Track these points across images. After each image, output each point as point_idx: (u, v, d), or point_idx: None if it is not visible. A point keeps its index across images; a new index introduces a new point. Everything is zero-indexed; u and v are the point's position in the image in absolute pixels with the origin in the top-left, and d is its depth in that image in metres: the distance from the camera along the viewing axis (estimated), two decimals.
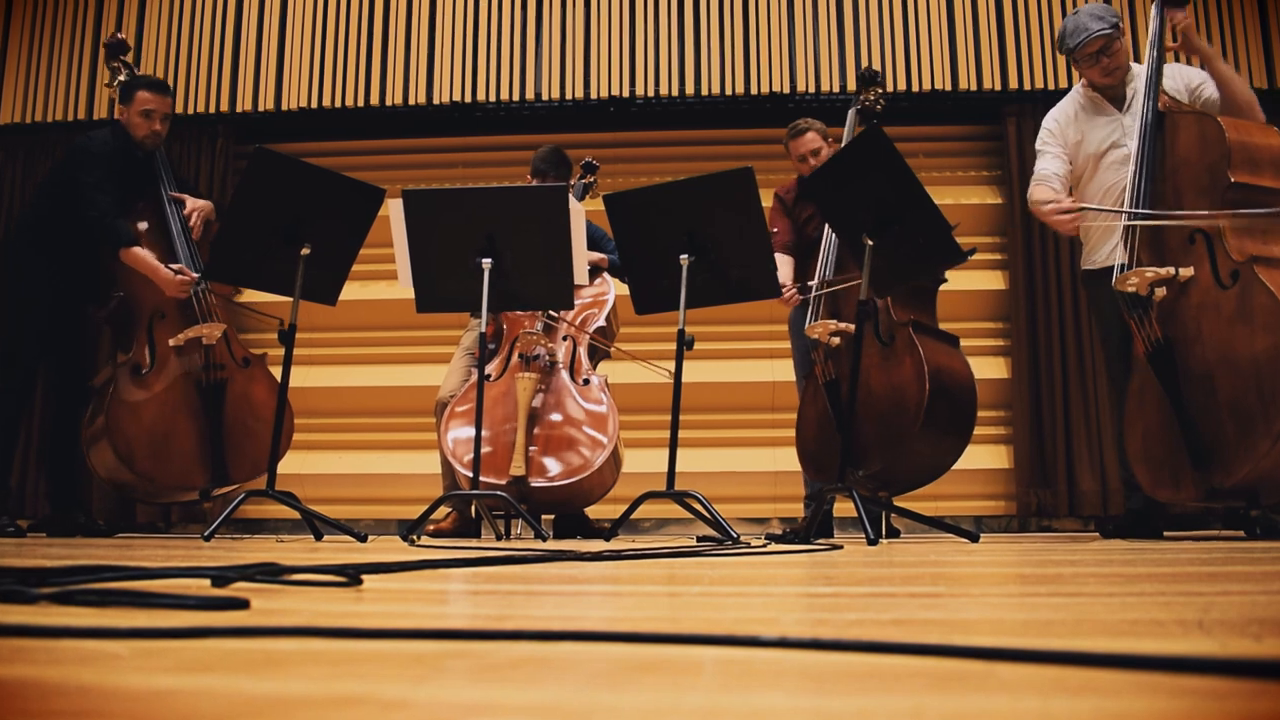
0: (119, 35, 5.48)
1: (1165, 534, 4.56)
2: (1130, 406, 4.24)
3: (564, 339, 5.19)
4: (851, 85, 7.13)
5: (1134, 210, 4.15)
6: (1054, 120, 4.72)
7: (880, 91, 5.35)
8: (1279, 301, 3.70)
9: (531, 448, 4.87)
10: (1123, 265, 4.20)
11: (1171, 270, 4.02)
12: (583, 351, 5.18)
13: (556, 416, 5.00)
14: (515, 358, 5.13)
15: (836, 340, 4.81)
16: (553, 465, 4.86)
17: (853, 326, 4.68)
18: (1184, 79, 4.49)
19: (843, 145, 5.20)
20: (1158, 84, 4.28)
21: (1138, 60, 4.64)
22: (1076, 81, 4.75)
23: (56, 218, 4.99)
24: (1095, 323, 5.23)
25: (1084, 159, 4.62)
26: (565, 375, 5.09)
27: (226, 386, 5.03)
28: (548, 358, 5.08)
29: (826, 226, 5.02)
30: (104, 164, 4.91)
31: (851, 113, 5.38)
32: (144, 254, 4.86)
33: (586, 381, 5.09)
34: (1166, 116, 4.20)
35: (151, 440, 4.85)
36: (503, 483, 4.70)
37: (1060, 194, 4.57)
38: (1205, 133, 4.04)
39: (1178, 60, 5.24)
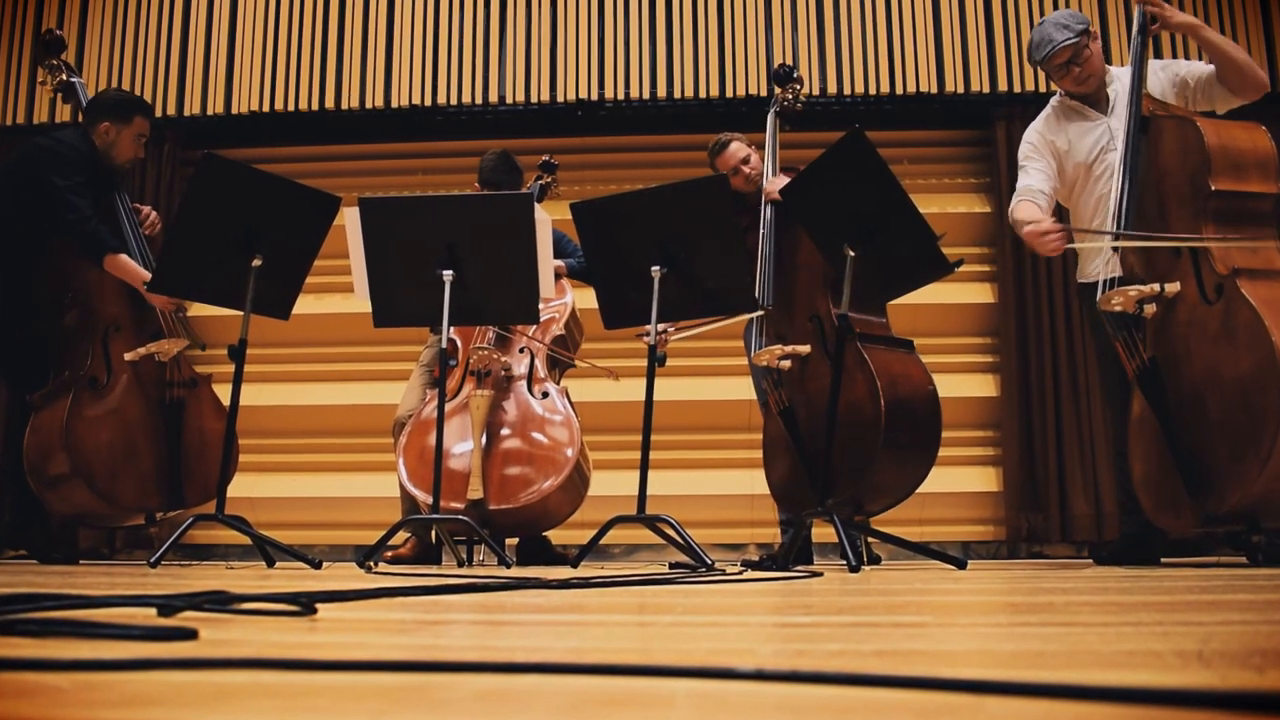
0: (56, 31, 5.44)
1: (1163, 560, 4.56)
2: (1133, 429, 4.23)
3: (520, 350, 5.15)
4: (832, 88, 7.17)
5: (1119, 232, 4.12)
6: (1036, 133, 4.66)
7: (799, 89, 5.25)
8: (1260, 318, 3.66)
9: (498, 469, 4.84)
10: (1111, 281, 4.19)
11: (1156, 287, 3.99)
12: (540, 363, 5.14)
13: (514, 434, 4.97)
14: (469, 374, 5.11)
15: (787, 364, 4.73)
16: (512, 485, 4.83)
17: (804, 348, 4.68)
18: (1169, 74, 4.44)
19: (766, 151, 5.17)
20: (1141, 86, 4.27)
21: (1115, 62, 4.59)
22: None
23: (7, 220, 4.93)
24: (1092, 337, 5.19)
25: (1074, 168, 4.58)
26: (524, 389, 5.05)
27: (185, 405, 5.04)
28: (503, 372, 5.05)
29: (761, 239, 4.97)
30: (79, 169, 4.88)
31: (770, 115, 5.26)
32: (129, 261, 4.83)
33: (545, 394, 5.04)
34: (1151, 122, 4.16)
35: (110, 458, 4.82)
36: (461, 507, 4.68)
37: (1044, 214, 4.51)
38: (1185, 138, 4.00)
39: (1159, 57, 5.24)
